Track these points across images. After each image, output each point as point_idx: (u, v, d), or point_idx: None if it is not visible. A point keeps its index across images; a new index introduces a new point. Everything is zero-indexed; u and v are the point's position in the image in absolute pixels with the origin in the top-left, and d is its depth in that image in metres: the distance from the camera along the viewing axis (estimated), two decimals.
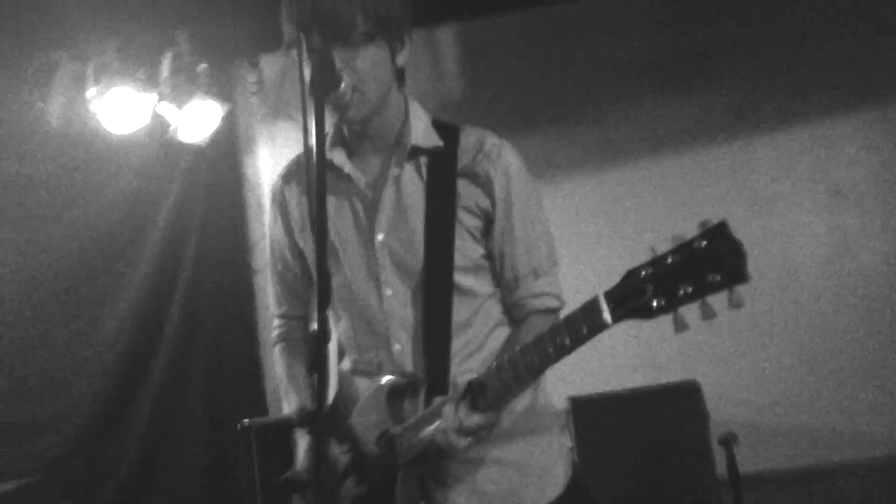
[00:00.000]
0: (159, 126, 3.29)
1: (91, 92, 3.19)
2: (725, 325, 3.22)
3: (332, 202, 1.74)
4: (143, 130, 3.27)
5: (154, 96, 3.24)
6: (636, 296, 1.32)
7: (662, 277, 1.30)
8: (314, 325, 1.67)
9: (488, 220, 1.73)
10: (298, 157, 1.84)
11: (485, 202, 1.72)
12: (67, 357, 3.39)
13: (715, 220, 1.27)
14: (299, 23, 1.60)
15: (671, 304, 1.30)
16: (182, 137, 3.32)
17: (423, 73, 3.43)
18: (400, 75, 1.73)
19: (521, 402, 1.70)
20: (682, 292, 1.28)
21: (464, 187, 1.71)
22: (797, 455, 3.20)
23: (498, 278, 1.74)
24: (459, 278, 1.71)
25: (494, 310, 1.75)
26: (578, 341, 1.41)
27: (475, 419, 1.51)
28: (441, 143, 1.73)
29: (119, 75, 3.18)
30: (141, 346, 3.43)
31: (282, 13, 1.65)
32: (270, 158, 3.62)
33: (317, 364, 1.37)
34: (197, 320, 3.48)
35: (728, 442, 2.54)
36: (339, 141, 1.77)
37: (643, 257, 1.32)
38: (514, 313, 1.75)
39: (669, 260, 1.30)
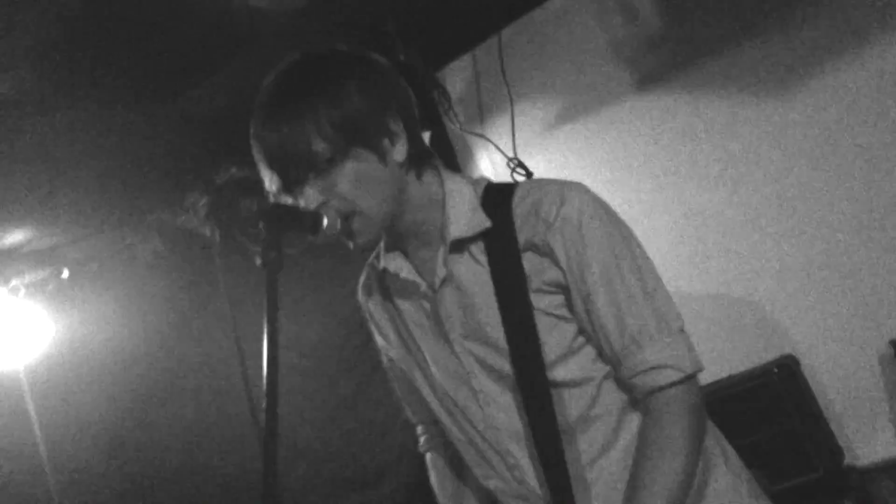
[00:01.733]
0: None
1: None
2: None
3: (407, 311, 1.55)
4: None
5: None
6: None
7: None
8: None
9: (568, 293, 1.42)
10: (370, 262, 1.65)
11: (555, 274, 1.42)
12: (381, 409, 3.43)
13: None
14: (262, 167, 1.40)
15: None
16: None
17: (615, 18, 3.04)
18: (415, 163, 1.46)
19: None
20: None
21: (530, 264, 1.42)
22: None
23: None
24: (558, 373, 1.41)
25: (617, 391, 1.43)
26: None
27: None
28: (489, 223, 1.44)
29: None
30: None
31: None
32: None
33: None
34: None
35: None
36: (392, 244, 1.54)
37: None
38: (634, 396, 1.42)
39: None
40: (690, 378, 1.42)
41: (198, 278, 3.21)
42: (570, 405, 1.43)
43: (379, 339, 1.71)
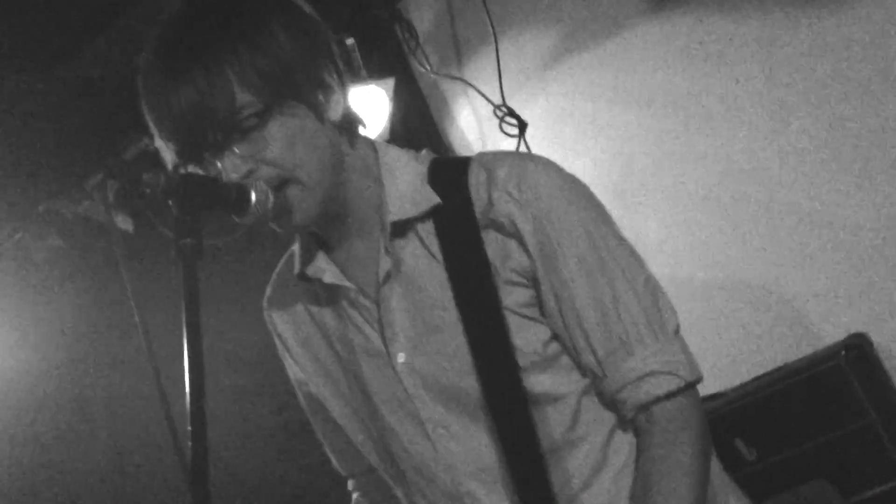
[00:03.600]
0: None
1: None
2: None
3: (331, 326, 1.54)
4: None
5: None
6: None
7: None
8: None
9: (538, 287, 1.42)
10: (280, 268, 1.66)
11: (523, 261, 1.41)
12: None
13: None
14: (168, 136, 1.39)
15: None
16: None
17: None
18: (346, 127, 1.45)
19: None
20: None
21: (493, 248, 1.41)
22: None
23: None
24: (530, 385, 1.41)
25: (601, 409, 1.45)
26: None
27: None
28: (438, 200, 1.43)
29: None
30: None
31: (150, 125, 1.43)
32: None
33: None
34: None
35: None
36: (313, 242, 1.53)
37: None
38: (622, 414, 1.42)
39: None
40: (690, 387, 1.42)
41: (107, 280, 3.20)
42: (547, 426, 1.42)
43: (292, 370, 1.69)
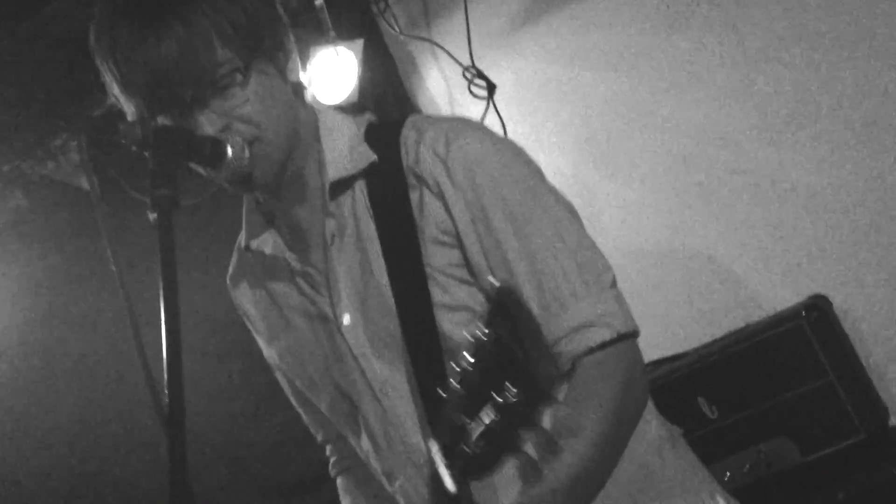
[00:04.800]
0: None
1: None
2: None
3: (281, 295, 1.57)
4: None
5: None
6: (460, 438, 1.08)
7: (469, 400, 1.06)
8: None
9: (463, 248, 1.44)
10: (238, 243, 1.68)
11: (446, 220, 1.43)
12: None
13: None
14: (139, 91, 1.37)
15: (492, 450, 1.04)
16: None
17: None
18: (296, 91, 1.49)
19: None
20: (486, 421, 1.04)
21: (420, 206, 1.44)
22: None
23: None
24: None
25: None
26: None
27: None
28: (374, 157, 1.47)
29: None
30: None
31: (108, 83, 1.42)
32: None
33: None
34: None
35: None
36: (257, 214, 1.56)
37: None
38: (560, 368, 1.42)
39: (469, 366, 1.06)
40: (625, 339, 1.43)
41: (74, 240, 3.20)
42: None
43: (261, 345, 1.73)
